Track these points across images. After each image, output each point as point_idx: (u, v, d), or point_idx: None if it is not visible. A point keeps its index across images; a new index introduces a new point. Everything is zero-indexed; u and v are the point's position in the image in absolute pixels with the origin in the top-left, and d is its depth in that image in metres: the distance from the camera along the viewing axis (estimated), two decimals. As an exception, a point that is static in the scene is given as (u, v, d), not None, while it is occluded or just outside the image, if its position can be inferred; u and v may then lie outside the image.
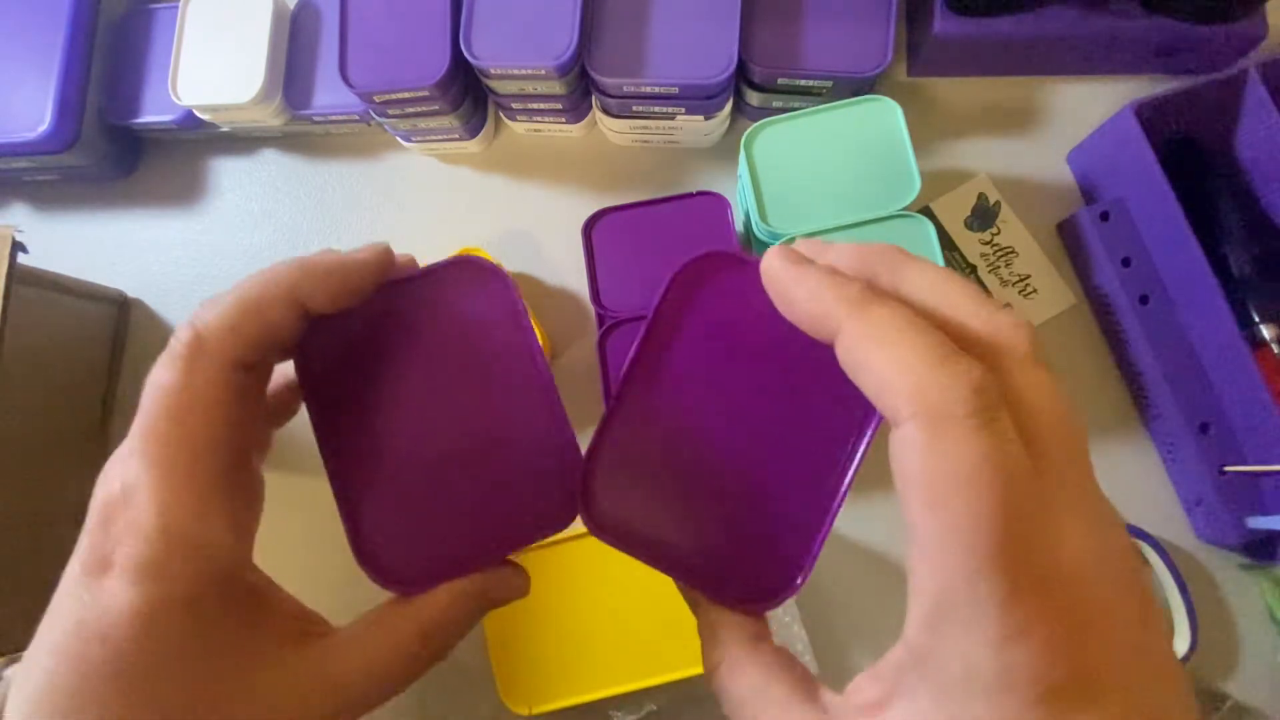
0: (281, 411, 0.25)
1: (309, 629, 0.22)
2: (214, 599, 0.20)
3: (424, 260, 0.46)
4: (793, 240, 0.37)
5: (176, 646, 0.19)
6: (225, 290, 0.21)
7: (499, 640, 0.42)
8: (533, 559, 0.43)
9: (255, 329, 0.21)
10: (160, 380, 0.20)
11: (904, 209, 0.40)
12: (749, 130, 0.42)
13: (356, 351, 0.24)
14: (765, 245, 0.42)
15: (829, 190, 0.41)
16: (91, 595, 0.19)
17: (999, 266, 0.47)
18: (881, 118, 0.42)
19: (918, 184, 0.40)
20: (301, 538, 0.40)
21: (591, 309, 0.44)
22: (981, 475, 0.15)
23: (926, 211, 0.47)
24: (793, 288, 0.19)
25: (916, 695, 0.16)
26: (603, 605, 0.41)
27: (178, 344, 0.20)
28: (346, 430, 0.23)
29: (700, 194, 0.44)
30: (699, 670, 0.38)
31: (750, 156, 0.42)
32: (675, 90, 0.44)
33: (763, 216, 0.41)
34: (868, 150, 0.42)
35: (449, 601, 0.22)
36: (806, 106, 0.43)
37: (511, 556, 0.24)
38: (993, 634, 0.15)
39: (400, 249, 0.53)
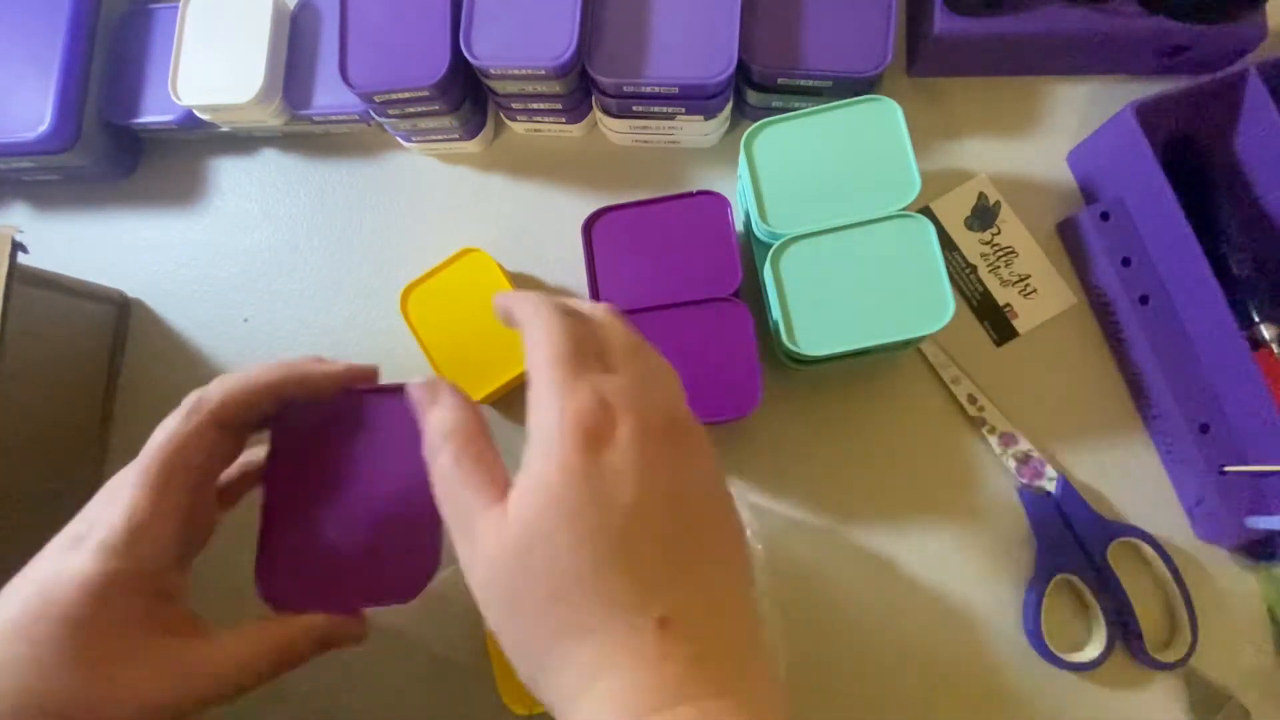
0: (231, 495, 0.33)
1: (197, 629, 0.28)
2: (139, 583, 0.27)
3: (422, 258, 0.46)
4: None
5: (101, 611, 0.26)
6: (237, 371, 0.30)
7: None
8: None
9: (239, 404, 0.30)
10: (165, 423, 0.29)
11: (904, 209, 0.40)
12: (749, 130, 0.42)
13: (316, 432, 0.32)
14: (766, 245, 0.42)
15: (829, 190, 0.41)
16: (58, 564, 0.26)
17: (999, 266, 0.47)
18: (881, 118, 0.42)
19: (918, 184, 0.40)
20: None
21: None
22: (550, 335, 0.26)
23: (926, 211, 0.47)
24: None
25: (529, 449, 0.24)
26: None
27: (185, 402, 0.29)
28: (284, 484, 0.32)
29: (701, 193, 0.44)
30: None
31: (750, 156, 0.42)
32: (675, 90, 0.44)
33: (763, 216, 0.41)
34: (868, 150, 0.42)
35: (298, 631, 0.29)
36: (806, 106, 0.43)
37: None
38: (555, 410, 0.24)
39: (400, 249, 0.54)
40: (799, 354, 0.40)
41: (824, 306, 0.40)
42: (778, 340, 0.41)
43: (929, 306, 0.39)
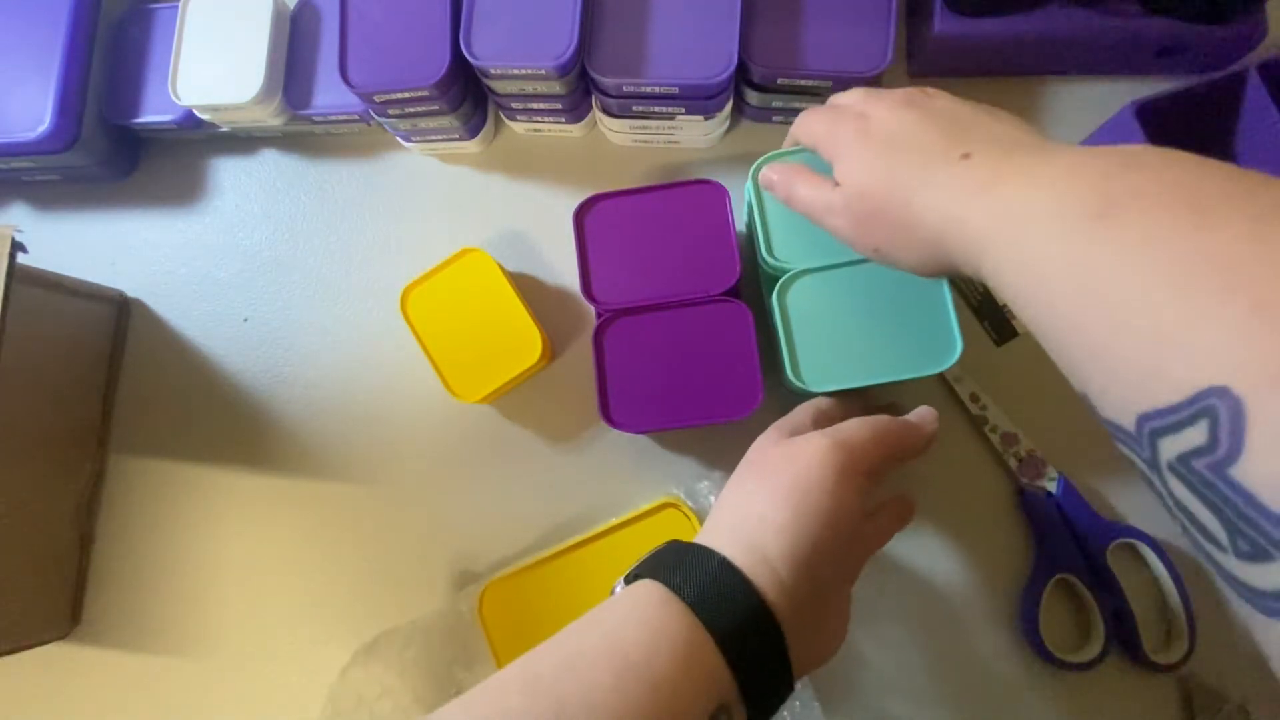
0: None
1: None
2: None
3: (422, 258, 0.46)
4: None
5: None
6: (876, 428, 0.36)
7: (500, 641, 0.42)
8: (532, 562, 0.43)
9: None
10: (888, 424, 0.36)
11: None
12: (757, 163, 0.41)
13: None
14: (773, 278, 0.41)
15: None
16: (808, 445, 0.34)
17: (999, 266, 0.47)
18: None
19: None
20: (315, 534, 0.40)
21: (592, 309, 0.44)
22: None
23: (926, 212, 0.47)
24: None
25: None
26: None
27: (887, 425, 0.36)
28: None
29: (698, 182, 0.43)
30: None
31: (757, 187, 0.41)
32: (675, 90, 0.44)
33: (769, 249, 0.41)
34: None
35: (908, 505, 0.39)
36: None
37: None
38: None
39: (400, 249, 0.54)
40: (804, 390, 0.40)
41: (830, 341, 0.39)
42: (783, 374, 0.40)
43: (936, 345, 0.39)
